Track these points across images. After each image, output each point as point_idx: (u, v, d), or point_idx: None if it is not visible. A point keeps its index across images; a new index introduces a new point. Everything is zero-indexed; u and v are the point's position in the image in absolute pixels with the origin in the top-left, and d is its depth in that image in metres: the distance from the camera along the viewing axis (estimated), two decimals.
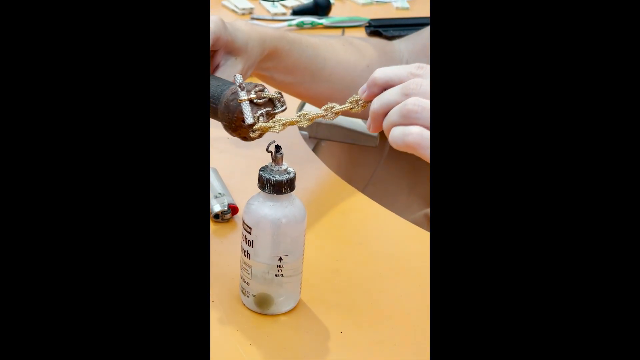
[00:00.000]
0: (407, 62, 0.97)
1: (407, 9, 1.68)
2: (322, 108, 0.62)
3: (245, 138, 0.65)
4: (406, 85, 0.56)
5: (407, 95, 0.55)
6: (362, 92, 0.60)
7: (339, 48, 0.90)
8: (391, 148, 1.27)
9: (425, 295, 0.72)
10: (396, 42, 1.00)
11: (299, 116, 0.62)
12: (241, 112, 0.64)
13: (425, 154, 0.53)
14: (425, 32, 0.99)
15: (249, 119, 0.63)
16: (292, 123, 0.62)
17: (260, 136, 0.65)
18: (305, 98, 0.91)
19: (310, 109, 0.63)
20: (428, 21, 1.49)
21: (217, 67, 0.74)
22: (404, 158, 1.34)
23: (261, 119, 0.64)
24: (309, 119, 0.62)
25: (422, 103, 0.54)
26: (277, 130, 0.63)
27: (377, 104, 0.57)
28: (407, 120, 0.54)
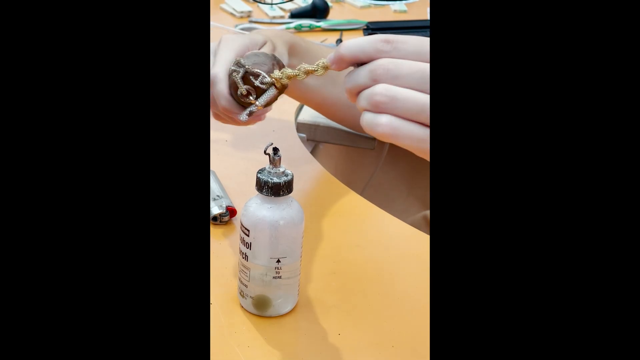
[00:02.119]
0: None
1: (404, 11, 1.68)
2: (297, 67, 0.60)
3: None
4: (374, 69, 0.53)
5: (375, 81, 0.53)
6: (331, 64, 0.57)
7: None
8: (389, 151, 1.27)
9: (422, 297, 0.72)
10: None
11: (298, 69, 0.60)
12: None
13: (398, 143, 0.52)
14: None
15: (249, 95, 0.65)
16: (299, 75, 0.61)
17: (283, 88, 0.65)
18: (325, 104, 0.95)
19: (303, 65, 0.61)
20: (426, 24, 1.49)
21: None
22: (402, 161, 1.34)
23: (251, 96, 0.64)
24: (305, 72, 0.60)
25: (390, 92, 0.52)
26: (285, 82, 0.63)
27: (348, 83, 0.55)
28: (377, 109, 0.52)
